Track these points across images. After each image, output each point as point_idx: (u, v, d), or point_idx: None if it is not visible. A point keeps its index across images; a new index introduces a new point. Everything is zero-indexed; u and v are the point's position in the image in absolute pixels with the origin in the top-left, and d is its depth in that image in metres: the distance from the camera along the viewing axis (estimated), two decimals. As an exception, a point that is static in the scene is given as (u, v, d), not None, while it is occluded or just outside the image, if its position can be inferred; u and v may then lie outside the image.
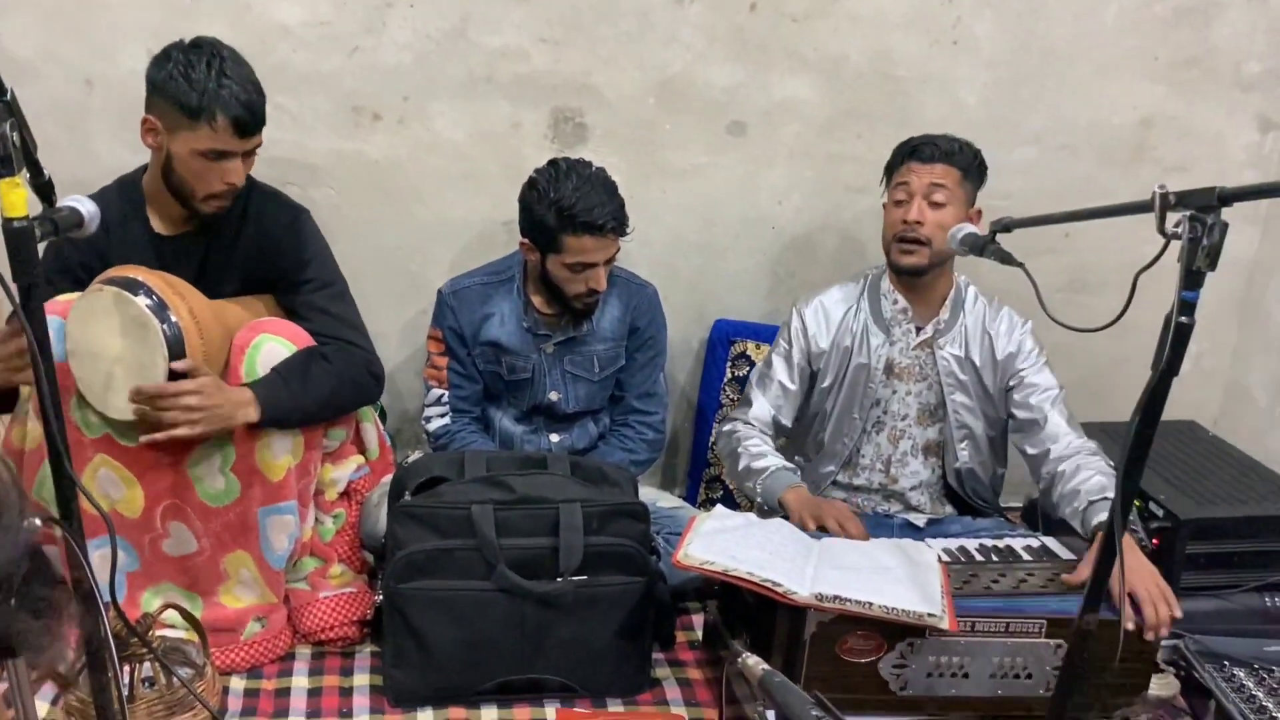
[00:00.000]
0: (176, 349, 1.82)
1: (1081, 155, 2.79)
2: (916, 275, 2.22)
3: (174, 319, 1.82)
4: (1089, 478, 2.05)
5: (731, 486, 2.74)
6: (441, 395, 2.42)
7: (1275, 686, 2.01)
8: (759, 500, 2.22)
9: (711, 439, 2.75)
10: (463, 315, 2.39)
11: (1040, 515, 2.47)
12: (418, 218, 2.63)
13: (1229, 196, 1.30)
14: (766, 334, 2.69)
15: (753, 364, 2.69)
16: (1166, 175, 2.83)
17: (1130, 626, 1.74)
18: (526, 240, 2.30)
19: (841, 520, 2.05)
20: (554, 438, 2.48)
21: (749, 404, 2.35)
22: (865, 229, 2.75)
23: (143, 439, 1.85)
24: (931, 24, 2.62)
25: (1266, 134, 2.82)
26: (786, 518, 2.11)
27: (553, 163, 2.28)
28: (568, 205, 2.19)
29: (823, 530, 2.05)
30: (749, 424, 2.32)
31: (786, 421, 2.35)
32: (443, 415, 2.43)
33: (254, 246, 2.10)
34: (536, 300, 2.40)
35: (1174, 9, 2.68)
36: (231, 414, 1.89)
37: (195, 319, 1.85)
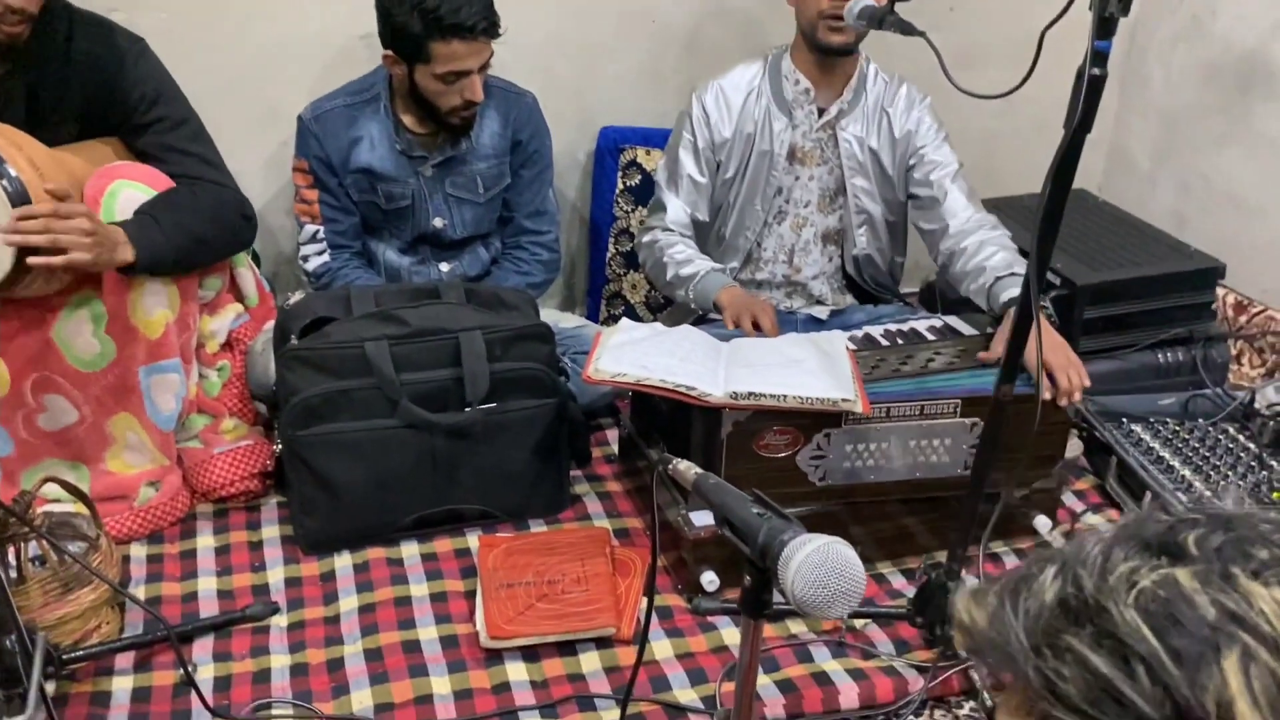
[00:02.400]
0: (20, 202, 1.63)
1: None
2: (845, 54, 2.11)
3: (12, 172, 1.62)
4: (993, 254, 2.03)
5: (648, 297, 2.68)
6: (316, 231, 2.26)
7: (1169, 437, 2.10)
8: (694, 306, 2.18)
9: (608, 254, 2.66)
10: (328, 142, 2.20)
11: (938, 296, 2.49)
12: (266, 37, 2.38)
13: (1140, -67, 1.22)
14: (657, 138, 2.57)
15: (644, 171, 2.59)
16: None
17: (1047, 396, 1.76)
18: (390, 52, 2.10)
19: (767, 324, 2.02)
20: (443, 267, 2.36)
21: (662, 209, 2.25)
22: (748, 11, 2.61)
23: (32, 260, 1.64)
24: None
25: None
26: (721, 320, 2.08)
27: (409, -40, 2.06)
28: (432, 7, 1.99)
29: (757, 329, 2.01)
30: (668, 229, 2.23)
31: (704, 216, 2.26)
32: (320, 253, 2.27)
33: (88, 84, 1.87)
34: (407, 119, 2.22)
35: None
36: (112, 250, 1.72)
37: (36, 168, 1.66)
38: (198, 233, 1.85)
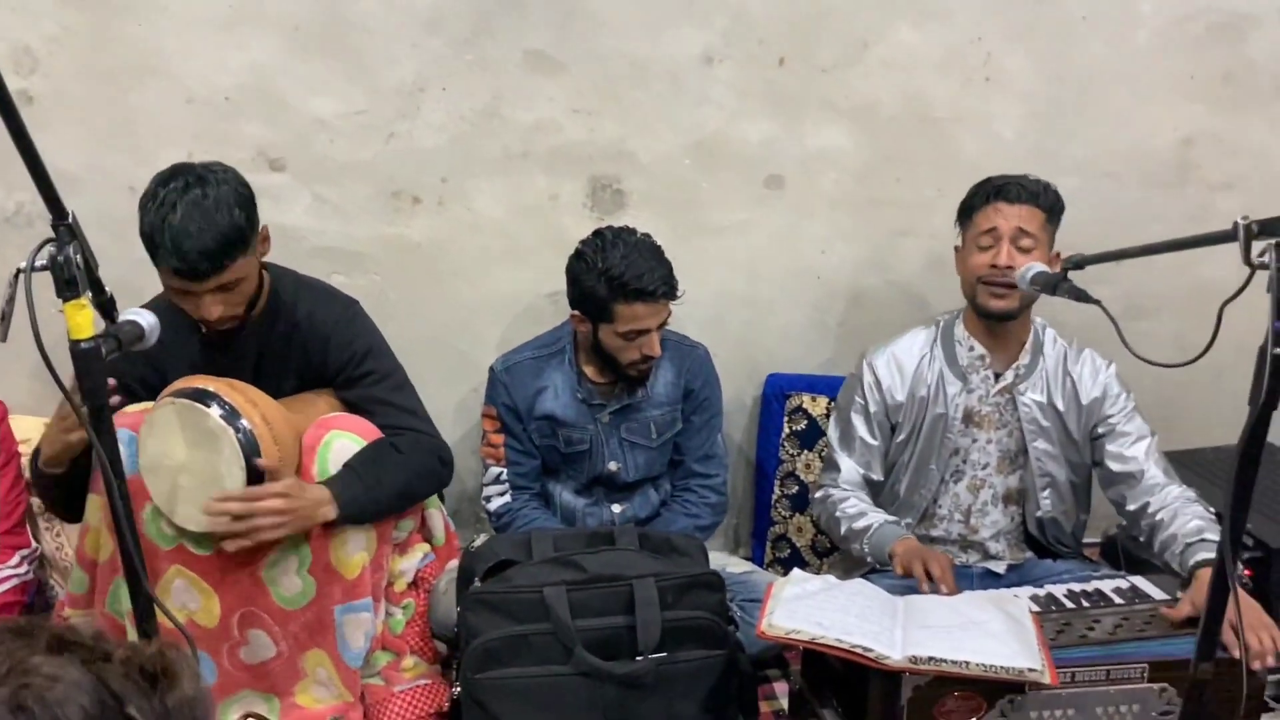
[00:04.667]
0: (252, 455, 1.80)
1: (1125, 181, 2.75)
2: (1006, 319, 2.15)
3: (246, 425, 1.81)
4: (1186, 522, 1.99)
5: (801, 545, 2.69)
6: (500, 473, 2.40)
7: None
8: (869, 559, 2.17)
9: (773, 497, 2.70)
10: (516, 391, 2.37)
11: (1122, 552, 2.40)
12: (463, 296, 2.63)
13: (1316, 222, 1.26)
14: (822, 385, 2.65)
15: (809, 417, 2.66)
16: (1213, 194, 2.79)
17: (1255, 666, 1.67)
18: (577, 312, 2.29)
19: (939, 573, 1.98)
20: (616, 508, 2.45)
21: (835, 468, 2.29)
22: (910, 272, 2.73)
23: (227, 545, 1.82)
24: (962, 63, 2.61)
25: (1313, 144, 2.77)
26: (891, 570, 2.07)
27: (598, 233, 2.27)
28: (617, 274, 2.17)
29: (928, 578, 1.98)
30: (839, 487, 2.26)
31: (877, 476, 2.28)
32: (502, 493, 2.40)
33: (309, 343, 2.09)
34: (589, 370, 2.38)
35: (1206, 27, 2.65)
36: (312, 513, 1.87)
37: (268, 423, 1.84)
38: (397, 486, 1.99)
